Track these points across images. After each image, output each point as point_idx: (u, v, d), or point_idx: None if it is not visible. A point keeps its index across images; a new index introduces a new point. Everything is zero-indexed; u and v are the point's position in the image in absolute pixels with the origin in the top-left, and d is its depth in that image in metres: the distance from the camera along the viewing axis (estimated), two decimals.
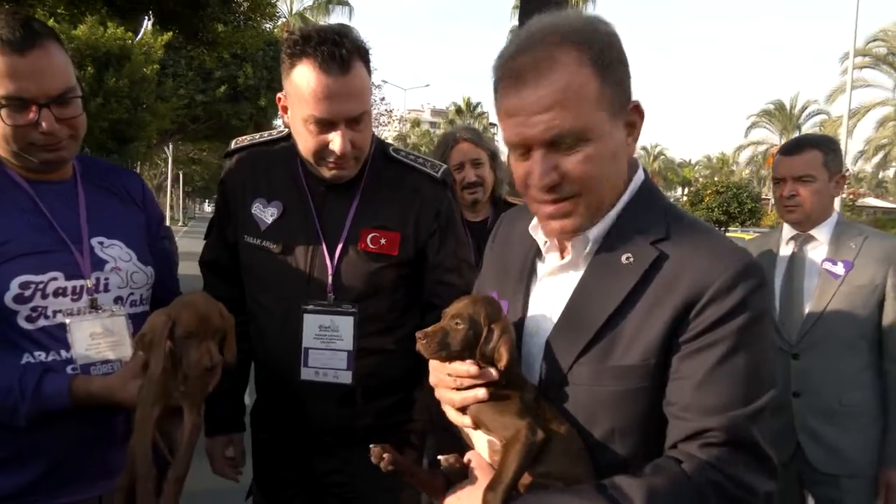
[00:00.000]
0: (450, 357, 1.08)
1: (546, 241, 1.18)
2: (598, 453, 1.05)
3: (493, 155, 2.84)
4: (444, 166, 1.81)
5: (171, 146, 31.85)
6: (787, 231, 2.38)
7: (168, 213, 36.24)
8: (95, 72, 13.90)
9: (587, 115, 1.01)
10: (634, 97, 1.09)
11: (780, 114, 52.63)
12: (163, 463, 1.36)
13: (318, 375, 1.68)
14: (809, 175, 2.27)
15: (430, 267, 1.74)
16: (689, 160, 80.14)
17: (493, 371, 1.06)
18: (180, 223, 40.87)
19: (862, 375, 2.22)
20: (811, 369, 2.23)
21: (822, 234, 2.30)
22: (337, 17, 40.73)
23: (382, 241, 1.68)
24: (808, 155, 2.29)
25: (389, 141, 1.96)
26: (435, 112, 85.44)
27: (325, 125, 1.57)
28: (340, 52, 1.51)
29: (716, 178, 48.70)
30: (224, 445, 1.87)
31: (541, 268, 1.20)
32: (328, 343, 1.67)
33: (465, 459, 1.12)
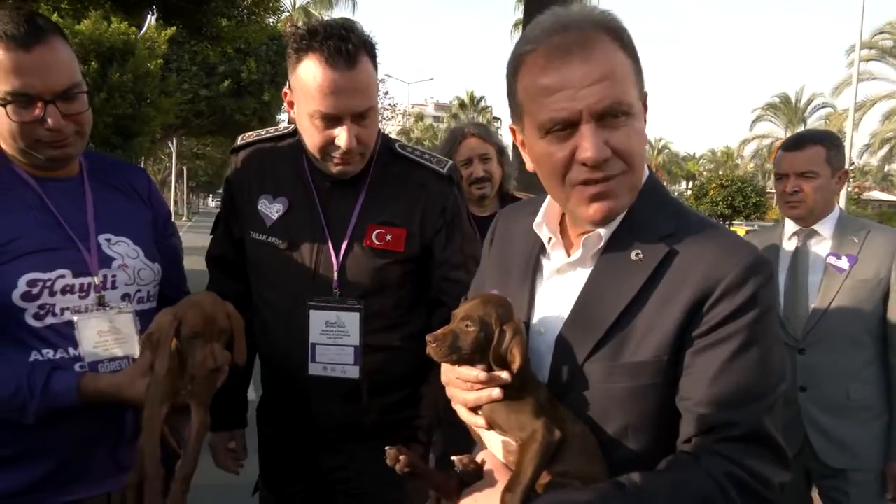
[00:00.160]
0: (461, 360, 1.06)
1: (550, 238, 1.17)
2: (612, 450, 1.05)
3: (501, 150, 2.84)
4: (451, 162, 1.81)
5: (174, 141, 31.87)
6: (790, 226, 2.38)
7: (172, 208, 36.22)
8: (99, 67, 13.89)
9: (630, 91, 1.04)
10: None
11: (785, 107, 52.40)
12: (171, 460, 1.36)
13: (325, 371, 1.68)
14: (812, 171, 2.27)
15: (436, 263, 1.74)
16: (694, 154, 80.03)
17: (504, 374, 1.05)
18: (184, 218, 40.93)
19: (868, 369, 2.23)
20: (817, 364, 2.24)
21: (824, 229, 2.31)
22: (340, 10, 40.65)
23: (388, 237, 1.68)
24: (811, 151, 2.29)
25: (393, 135, 1.96)
26: (438, 106, 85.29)
27: (330, 120, 1.56)
28: (347, 46, 1.51)
29: (720, 172, 48.55)
30: (226, 440, 1.89)
31: (546, 265, 1.19)
32: (335, 339, 1.67)
33: (479, 460, 1.11)
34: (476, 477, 1.10)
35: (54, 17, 8.40)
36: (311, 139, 1.61)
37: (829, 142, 2.32)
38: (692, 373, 1.03)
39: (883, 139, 36.85)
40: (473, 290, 1.40)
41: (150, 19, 12.46)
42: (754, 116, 55.07)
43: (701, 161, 75.93)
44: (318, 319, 1.67)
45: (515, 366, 1.04)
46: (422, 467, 1.10)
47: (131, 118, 14.84)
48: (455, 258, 1.74)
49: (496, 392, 1.05)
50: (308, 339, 1.68)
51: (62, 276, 1.43)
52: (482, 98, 64.99)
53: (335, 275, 1.67)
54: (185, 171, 46.34)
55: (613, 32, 1.04)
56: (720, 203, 30.32)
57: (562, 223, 1.20)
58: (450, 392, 1.13)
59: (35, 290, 1.39)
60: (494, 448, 1.10)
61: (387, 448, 1.08)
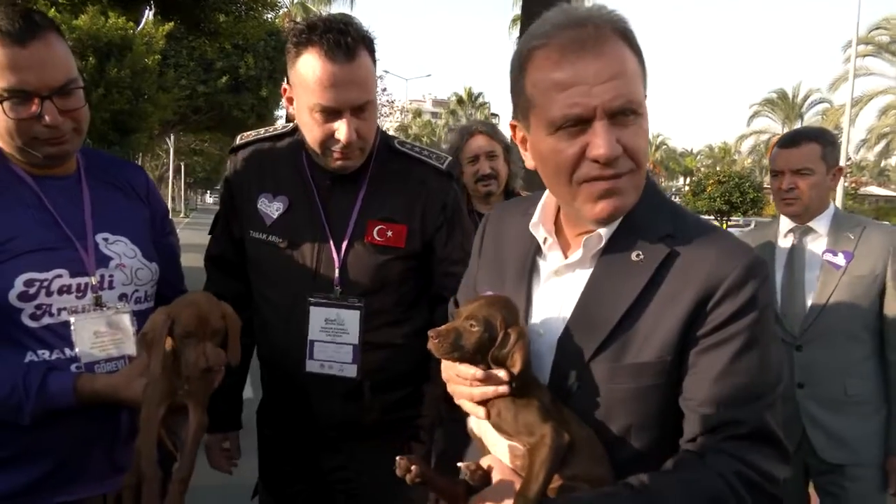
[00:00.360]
0: (462, 358, 1.06)
1: (547, 239, 1.16)
2: (615, 450, 1.06)
3: (508, 148, 2.86)
4: (450, 158, 1.81)
5: (172, 137, 31.77)
6: (785, 223, 2.39)
7: (170, 205, 36.24)
8: (97, 62, 13.82)
9: (639, 90, 1.03)
10: None
11: (782, 102, 52.38)
12: (169, 461, 1.36)
13: (323, 368, 1.68)
14: (808, 168, 2.28)
15: (437, 260, 1.74)
16: (692, 150, 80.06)
17: (501, 373, 1.05)
18: (182, 214, 40.84)
19: (865, 365, 2.25)
20: (814, 360, 2.25)
21: (820, 226, 2.32)
22: (338, 6, 40.53)
23: (389, 233, 1.68)
24: (807, 148, 2.30)
25: (391, 132, 1.95)
26: (436, 102, 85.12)
27: (330, 114, 1.56)
28: (346, 39, 1.52)
29: (718, 168, 48.56)
30: (221, 441, 1.90)
31: (543, 266, 1.18)
32: (334, 336, 1.67)
33: (485, 466, 1.10)
34: (484, 483, 1.09)
35: (52, 12, 8.38)
36: (311, 133, 1.61)
37: (825, 139, 2.33)
38: (696, 373, 1.03)
39: (879, 134, 36.91)
40: (463, 290, 1.39)
41: (148, 15, 12.41)
42: (751, 112, 55.08)
43: (698, 157, 75.93)
44: (318, 316, 1.67)
45: (516, 370, 1.03)
46: (432, 477, 1.09)
47: (129, 114, 14.78)
48: (456, 254, 1.74)
49: (503, 386, 1.05)
50: (307, 336, 1.67)
51: (59, 276, 1.42)
52: (480, 94, 64.95)
53: (336, 272, 1.67)
54: (182, 167, 46.21)
55: (623, 32, 1.03)
56: (718, 199, 30.33)
57: (556, 223, 1.19)
58: (451, 388, 1.13)
59: (32, 290, 1.39)
60: (500, 453, 1.09)
61: (397, 458, 1.07)
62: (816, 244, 2.32)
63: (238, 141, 1.85)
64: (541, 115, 1.05)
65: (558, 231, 1.18)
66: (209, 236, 1.92)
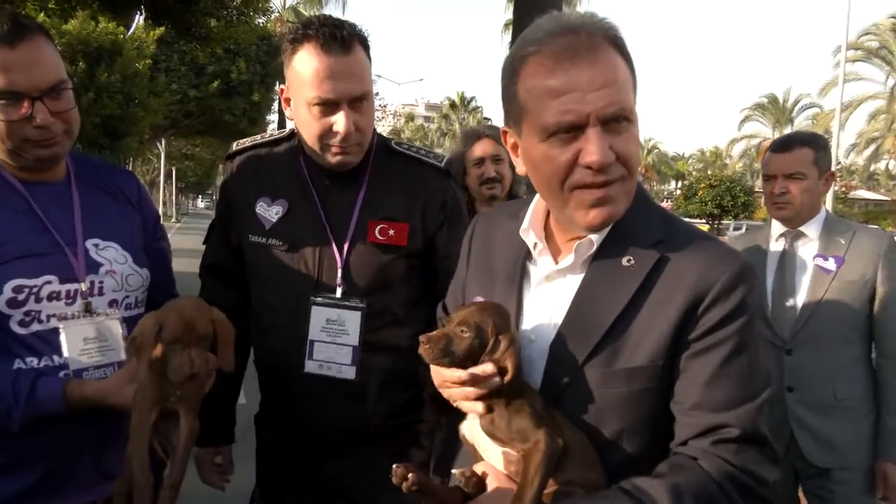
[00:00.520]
0: (452, 364, 1.06)
1: (537, 245, 1.17)
2: (607, 454, 1.06)
3: None
4: (447, 157, 1.84)
5: (163, 142, 31.65)
6: (777, 228, 2.40)
7: (161, 210, 36.02)
8: (87, 67, 13.77)
9: (631, 97, 1.04)
10: None
11: (773, 107, 52.78)
12: (159, 467, 1.34)
13: (321, 369, 1.67)
14: (800, 172, 2.29)
15: (440, 258, 1.74)
16: (683, 154, 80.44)
17: (488, 368, 1.04)
18: (173, 220, 40.66)
19: (854, 369, 2.25)
20: (804, 364, 2.25)
21: (811, 231, 2.33)
22: (330, 10, 40.54)
23: (391, 232, 1.68)
24: (799, 152, 2.31)
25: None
26: (429, 106, 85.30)
27: (328, 106, 1.57)
28: (341, 33, 1.55)
29: (709, 172, 48.84)
30: (213, 454, 1.86)
31: (534, 271, 1.18)
32: (334, 337, 1.66)
33: (480, 472, 1.10)
34: (478, 489, 1.09)
35: (41, 16, 8.32)
36: (309, 129, 1.61)
37: (817, 144, 2.34)
38: (687, 377, 1.04)
39: (869, 139, 37.22)
40: (452, 296, 1.39)
41: (139, 19, 12.38)
42: (742, 116, 55.53)
43: (690, 161, 76.32)
44: (320, 316, 1.66)
45: (507, 378, 1.03)
46: (428, 484, 1.09)
47: (119, 119, 14.72)
48: (458, 252, 1.75)
49: (497, 378, 1.04)
50: (307, 335, 1.66)
51: (48, 283, 1.41)
52: (473, 98, 65.11)
53: (339, 272, 1.67)
54: (173, 171, 46.04)
55: (614, 40, 1.04)
56: (709, 203, 30.52)
57: (546, 229, 1.20)
58: (447, 393, 1.12)
59: (21, 297, 1.38)
60: (494, 459, 1.09)
61: (394, 466, 1.07)
62: (807, 248, 2.33)
63: (234, 147, 1.85)
64: (533, 122, 1.05)
65: (548, 236, 1.19)
66: (204, 246, 1.91)
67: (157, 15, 8.49)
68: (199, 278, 1.89)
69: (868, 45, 31.97)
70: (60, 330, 1.42)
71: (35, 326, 1.40)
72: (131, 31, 15.10)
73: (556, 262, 1.15)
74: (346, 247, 1.67)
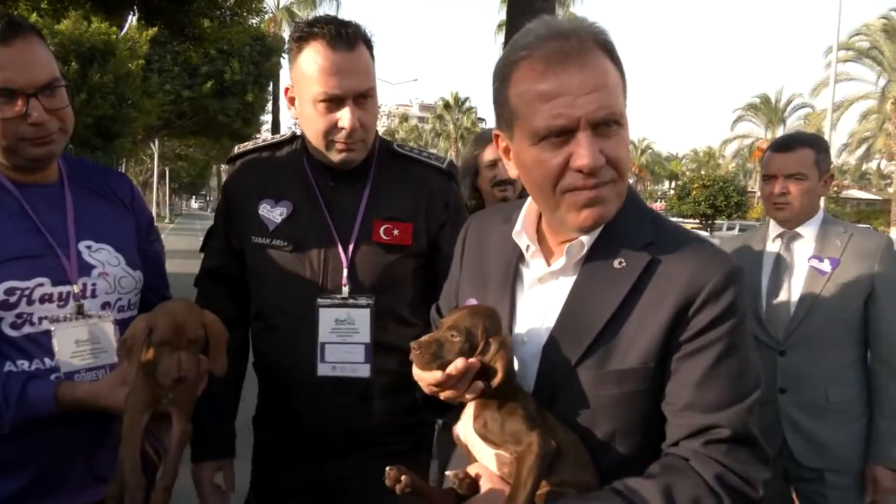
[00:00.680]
0: (441, 369, 1.06)
1: (529, 247, 1.17)
2: (600, 455, 1.07)
3: None
4: (449, 159, 1.85)
5: (157, 142, 31.55)
6: (774, 228, 2.38)
7: (154, 210, 35.93)
8: (79, 67, 13.72)
9: (621, 101, 1.05)
10: None
11: (765, 107, 52.98)
12: (152, 470, 1.34)
13: (335, 370, 1.66)
14: (801, 173, 2.26)
15: (443, 257, 1.73)
16: (677, 154, 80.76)
17: (459, 363, 1.03)
18: (167, 220, 40.51)
19: (848, 371, 2.24)
20: (798, 366, 2.24)
21: (808, 232, 2.31)
22: (324, 10, 40.47)
23: (396, 231, 1.69)
24: (801, 153, 2.28)
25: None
26: (423, 107, 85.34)
27: (334, 102, 1.59)
28: (346, 31, 1.58)
29: (703, 172, 49.05)
30: (213, 471, 1.75)
31: (527, 274, 1.19)
32: (345, 337, 1.66)
33: (473, 473, 1.11)
34: (472, 491, 1.10)
35: (33, 16, 8.29)
36: (314, 126, 1.63)
37: (818, 145, 2.31)
38: (678, 378, 1.05)
39: (860, 138, 37.39)
40: (445, 298, 1.39)
41: (131, 20, 12.34)
42: (735, 117, 55.66)
43: (683, 161, 76.60)
44: (328, 318, 1.66)
45: (496, 381, 1.04)
46: (422, 486, 1.09)
47: (112, 119, 14.67)
48: None
49: (480, 383, 1.05)
50: (317, 338, 1.66)
51: (41, 285, 1.41)
52: (467, 99, 65.10)
53: (345, 272, 1.67)
54: (167, 172, 45.91)
55: (604, 45, 1.05)
56: (702, 203, 30.63)
57: (539, 231, 1.20)
58: (444, 395, 1.12)
59: (13, 299, 1.37)
60: (487, 461, 1.10)
61: (387, 468, 1.07)
62: (803, 250, 2.31)
63: (236, 151, 1.85)
64: (525, 126, 1.06)
65: (541, 239, 1.19)
66: (201, 253, 1.87)
67: (149, 15, 8.46)
68: (193, 286, 1.84)
69: (859, 46, 32.10)
70: (52, 331, 1.41)
71: (27, 329, 1.39)
72: (124, 31, 15.05)
73: (549, 265, 1.16)
74: (351, 247, 1.68)
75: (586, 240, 1.10)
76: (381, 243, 1.69)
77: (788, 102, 52.49)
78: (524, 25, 1.09)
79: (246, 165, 1.81)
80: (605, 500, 0.99)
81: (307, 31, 1.59)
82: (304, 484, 1.76)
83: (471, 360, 1.04)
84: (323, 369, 1.66)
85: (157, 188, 42.42)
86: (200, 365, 1.32)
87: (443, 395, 1.10)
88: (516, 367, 1.11)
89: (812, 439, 2.24)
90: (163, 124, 21.05)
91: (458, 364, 1.04)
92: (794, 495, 2.39)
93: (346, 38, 1.57)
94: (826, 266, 2.23)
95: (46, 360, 1.41)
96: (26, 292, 1.39)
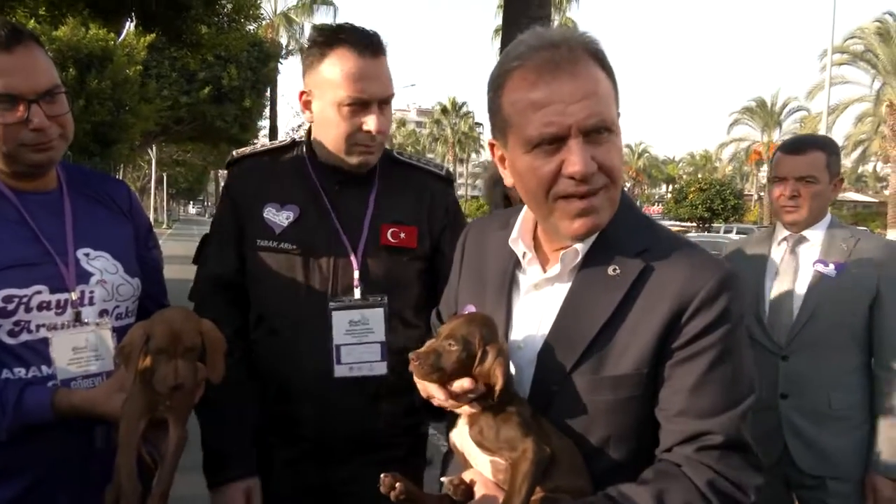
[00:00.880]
0: (441, 379, 1.06)
1: (526, 254, 1.18)
2: (594, 461, 1.08)
3: None
4: (447, 167, 1.92)
5: (154, 148, 31.57)
6: (780, 231, 2.33)
7: (152, 216, 35.88)
8: (77, 73, 13.74)
9: (613, 109, 1.07)
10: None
11: (761, 111, 53.03)
12: (149, 476, 1.34)
13: (352, 371, 1.67)
14: (812, 176, 2.21)
15: (446, 261, 1.74)
16: (673, 157, 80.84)
17: (465, 383, 1.05)
18: (164, 226, 40.44)
19: (851, 378, 2.19)
20: (800, 371, 2.19)
21: (814, 236, 2.25)
22: (321, 16, 40.46)
23: (402, 234, 1.73)
24: (812, 155, 2.23)
25: None
26: (421, 112, 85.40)
27: (359, 106, 1.63)
28: (372, 38, 1.64)
29: (699, 175, 49.10)
30: (241, 493, 1.65)
31: (523, 280, 1.20)
32: (360, 337, 1.67)
33: (468, 480, 1.11)
34: (467, 497, 1.10)
35: (31, 23, 8.29)
36: (337, 130, 1.65)
37: (829, 147, 2.26)
38: (671, 384, 1.06)
39: (856, 141, 37.42)
40: (444, 304, 1.41)
41: (129, 26, 12.35)
42: (731, 120, 55.68)
43: (680, 164, 76.73)
44: (342, 320, 1.67)
45: (497, 387, 1.04)
46: (417, 493, 1.09)
47: (110, 125, 14.68)
48: None
49: (482, 387, 1.06)
50: (332, 341, 1.66)
51: (39, 293, 1.41)
52: (464, 104, 65.26)
53: (356, 273, 1.68)
54: (164, 178, 45.88)
55: (595, 54, 1.06)
56: (699, 206, 30.70)
57: (535, 238, 1.21)
58: (447, 406, 1.13)
59: (10, 307, 1.37)
60: (482, 467, 1.10)
61: (382, 475, 1.07)
62: (809, 253, 2.25)
63: (235, 155, 1.85)
64: (518, 134, 1.07)
65: (537, 246, 1.20)
66: (195, 265, 1.83)
67: (147, 21, 8.47)
68: (189, 300, 1.77)
69: (853, 49, 32.17)
70: (50, 339, 1.41)
71: (24, 336, 1.40)
72: (122, 37, 15.07)
73: (545, 271, 1.16)
74: (360, 249, 1.70)
75: (581, 247, 1.11)
76: (389, 246, 1.72)
77: (784, 106, 52.58)
78: (519, 30, 1.11)
79: (247, 169, 1.81)
80: None
81: (332, 38, 1.63)
82: (306, 488, 1.75)
83: (477, 386, 1.06)
84: (340, 371, 1.67)
85: (155, 194, 42.41)
86: (198, 372, 1.32)
87: (447, 405, 1.11)
88: (513, 372, 1.11)
89: (814, 446, 2.19)
90: (160, 130, 21.07)
91: (464, 384, 1.05)
92: (795, 502, 2.37)
93: (372, 45, 1.63)
94: (831, 270, 2.18)
95: (44, 367, 1.41)
96: (24, 300, 1.39)
